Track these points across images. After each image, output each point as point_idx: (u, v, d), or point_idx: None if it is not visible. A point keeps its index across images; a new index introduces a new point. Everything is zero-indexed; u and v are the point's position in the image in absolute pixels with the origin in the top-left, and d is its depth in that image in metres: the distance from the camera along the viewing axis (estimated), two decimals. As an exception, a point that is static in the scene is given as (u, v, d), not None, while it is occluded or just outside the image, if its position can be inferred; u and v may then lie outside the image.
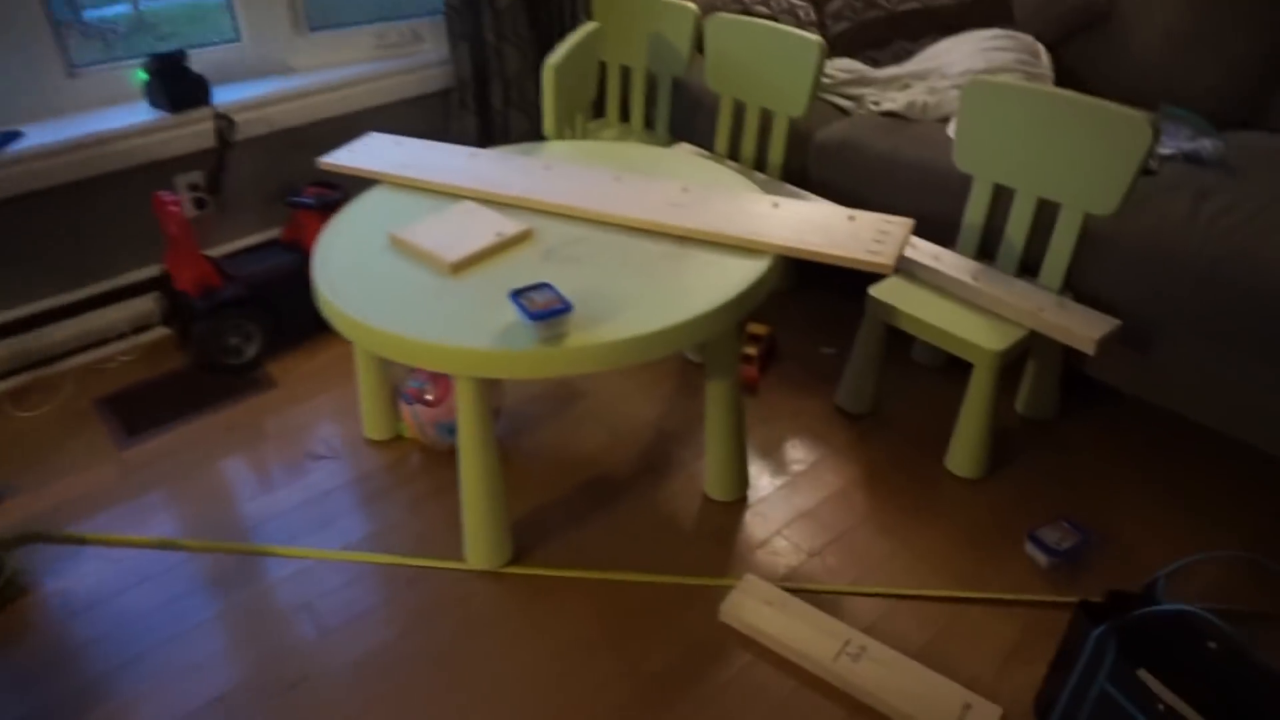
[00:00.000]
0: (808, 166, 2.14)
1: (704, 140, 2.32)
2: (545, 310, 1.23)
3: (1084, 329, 1.53)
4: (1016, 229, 1.70)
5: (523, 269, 1.40)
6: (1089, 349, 1.51)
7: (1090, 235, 1.65)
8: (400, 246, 1.47)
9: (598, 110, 2.54)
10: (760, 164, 2.19)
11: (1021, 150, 1.64)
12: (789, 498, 1.67)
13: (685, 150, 2.27)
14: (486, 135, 2.53)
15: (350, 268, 1.42)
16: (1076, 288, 1.70)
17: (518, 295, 1.26)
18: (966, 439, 1.68)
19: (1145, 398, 1.71)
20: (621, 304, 1.30)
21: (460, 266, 1.41)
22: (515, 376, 1.27)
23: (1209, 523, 1.60)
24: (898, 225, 1.49)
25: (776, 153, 2.11)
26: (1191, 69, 2.04)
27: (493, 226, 1.50)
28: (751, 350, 1.96)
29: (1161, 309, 1.60)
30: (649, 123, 2.45)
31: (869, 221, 1.50)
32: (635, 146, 1.83)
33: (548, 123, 1.92)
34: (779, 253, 1.43)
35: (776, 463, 1.75)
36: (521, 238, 1.49)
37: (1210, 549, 1.54)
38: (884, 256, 1.40)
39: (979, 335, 1.59)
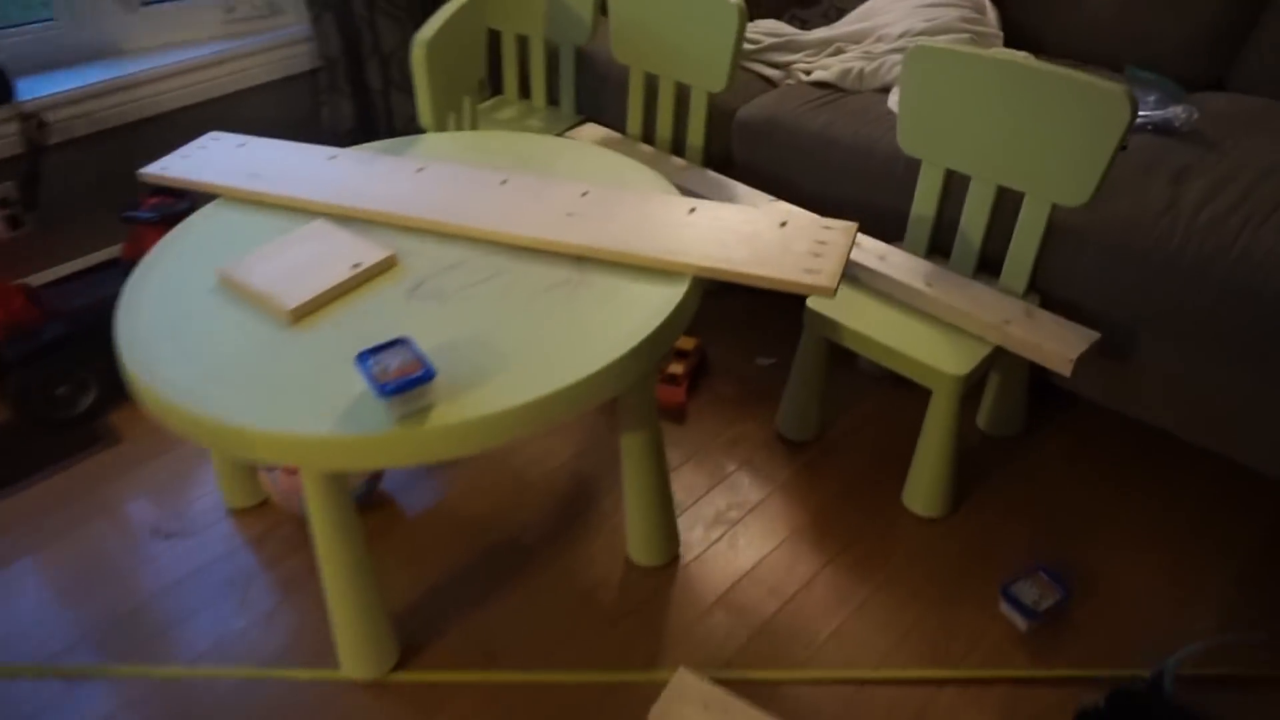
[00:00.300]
0: (731, 148, 1.87)
1: (615, 117, 2.02)
2: (401, 380, 0.95)
3: (1058, 345, 1.30)
4: (973, 222, 1.47)
5: (382, 312, 1.12)
6: (1064, 369, 1.29)
7: (1058, 228, 1.42)
8: (231, 287, 1.17)
9: (495, 87, 2.22)
10: (679, 146, 1.91)
11: (976, 129, 1.39)
12: (727, 555, 1.43)
13: (590, 135, 1.97)
14: (366, 122, 2.20)
15: (162, 321, 1.12)
16: (1043, 290, 1.47)
17: (367, 359, 0.98)
18: (925, 473, 1.45)
19: (1121, 411, 1.51)
20: (503, 358, 1.03)
21: (302, 313, 1.12)
22: (370, 467, 1.00)
23: (1197, 551, 1.41)
24: (839, 232, 1.24)
25: (696, 134, 1.84)
26: (1151, 25, 1.82)
27: (348, 255, 1.21)
28: (678, 369, 1.70)
29: (1141, 312, 1.39)
30: (553, 99, 2.14)
31: (804, 228, 1.24)
32: (527, 137, 1.54)
33: (423, 111, 1.61)
34: (697, 274, 1.17)
35: (711, 510, 1.51)
36: (384, 267, 1.20)
37: (1200, 585, 1.35)
38: (824, 276, 1.15)
39: (937, 356, 1.36)
